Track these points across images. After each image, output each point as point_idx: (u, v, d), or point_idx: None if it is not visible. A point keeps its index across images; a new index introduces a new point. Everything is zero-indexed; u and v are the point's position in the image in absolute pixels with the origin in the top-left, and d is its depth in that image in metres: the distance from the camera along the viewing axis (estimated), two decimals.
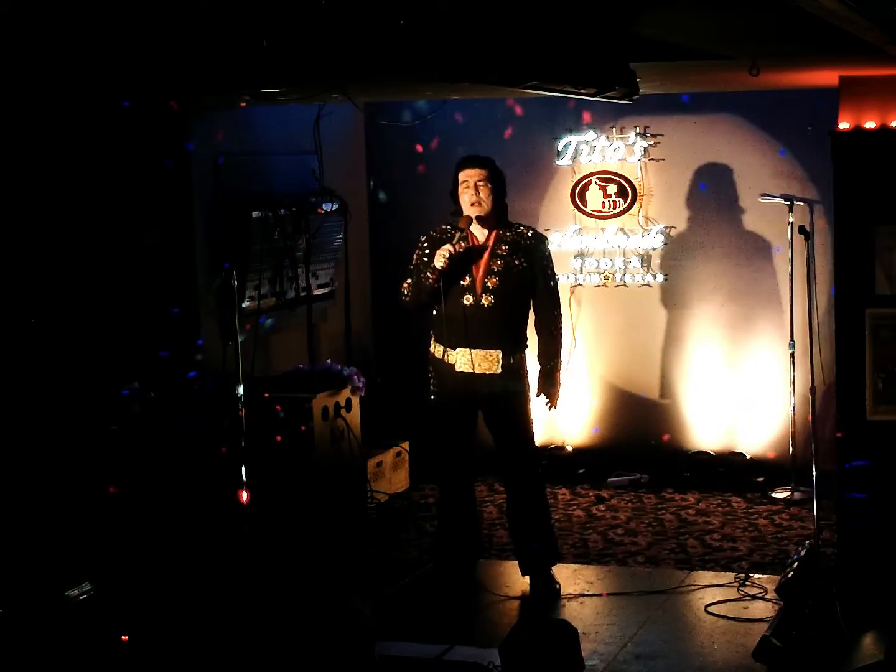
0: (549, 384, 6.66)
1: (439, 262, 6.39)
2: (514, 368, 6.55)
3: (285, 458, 7.50)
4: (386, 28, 4.41)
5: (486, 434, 6.79)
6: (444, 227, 6.65)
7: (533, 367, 6.71)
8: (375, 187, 9.21)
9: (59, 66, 5.54)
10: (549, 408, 6.74)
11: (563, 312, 6.77)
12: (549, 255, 6.68)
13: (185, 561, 6.70)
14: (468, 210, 6.52)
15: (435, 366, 6.67)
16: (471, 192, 6.49)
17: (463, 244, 6.50)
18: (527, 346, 6.66)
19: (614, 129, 8.74)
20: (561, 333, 6.71)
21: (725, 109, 8.57)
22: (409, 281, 6.66)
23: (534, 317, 6.70)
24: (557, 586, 6.64)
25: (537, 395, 6.68)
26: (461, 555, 6.85)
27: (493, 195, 6.51)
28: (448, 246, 6.41)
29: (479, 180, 6.49)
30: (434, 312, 6.62)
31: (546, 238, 6.78)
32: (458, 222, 6.53)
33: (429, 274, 6.46)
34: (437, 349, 6.63)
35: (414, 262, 6.65)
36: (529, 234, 6.63)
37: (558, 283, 6.79)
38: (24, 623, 5.56)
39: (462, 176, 6.53)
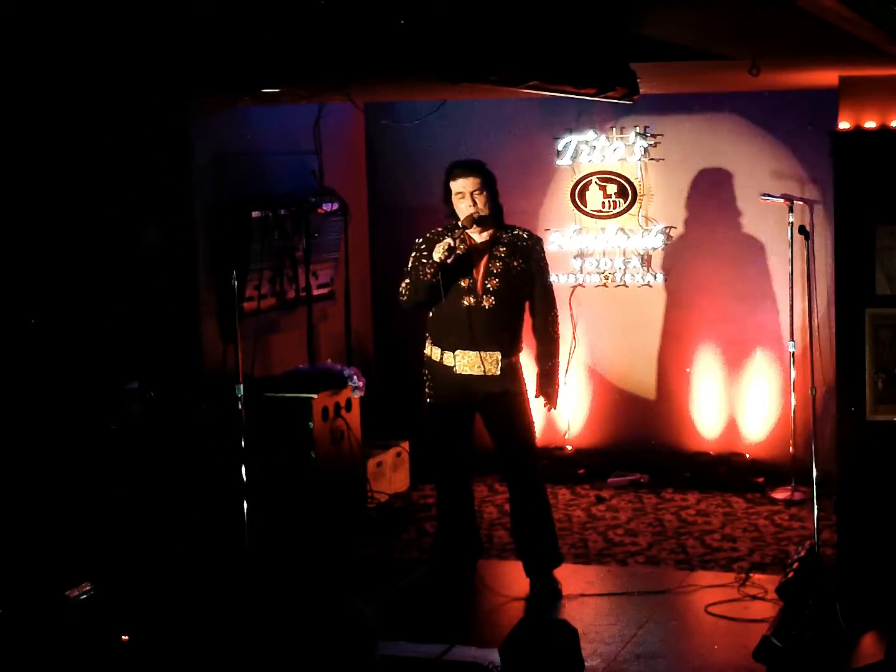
0: (548, 385, 6.67)
1: (438, 253, 6.37)
2: (512, 370, 6.55)
3: (285, 458, 7.50)
4: (386, 28, 4.41)
5: (486, 434, 6.79)
6: (439, 228, 6.64)
7: (530, 369, 6.72)
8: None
9: (59, 67, 5.54)
10: (548, 409, 6.75)
11: (559, 313, 6.77)
12: (545, 257, 6.68)
13: (185, 561, 6.70)
14: (465, 215, 6.51)
15: (431, 368, 6.66)
16: (467, 203, 6.48)
17: (462, 246, 6.49)
18: (522, 348, 6.65)
19: (614, 129, 8.74)
20: (558, 334, 6.71)
21: (725, 109, 8.57)
22: (406, 281, 6.65)
23: (531, 319, 6.70)
24: (558, 587, 6.63)
25: (536, 397, 6.68)
26: (461, 555, 6.84)
27: (489, 201, 6.51)
28: (448, 239, 6.40)
29: (473, 190, 6.48)
30: (430, 315, 6.62)
31: (542, 240, 6.78)
32: (457, 223, 6.51)
33: (427, 269, 6.45)
34: (433, 351, 6.62)
35: (411, 263, 6.63)
36: (525, 236, 6.63)
37: (554, 284, 6.80)
38: (24, 623, 5.56)
39: (455, 186, 6.51)
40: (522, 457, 6.64)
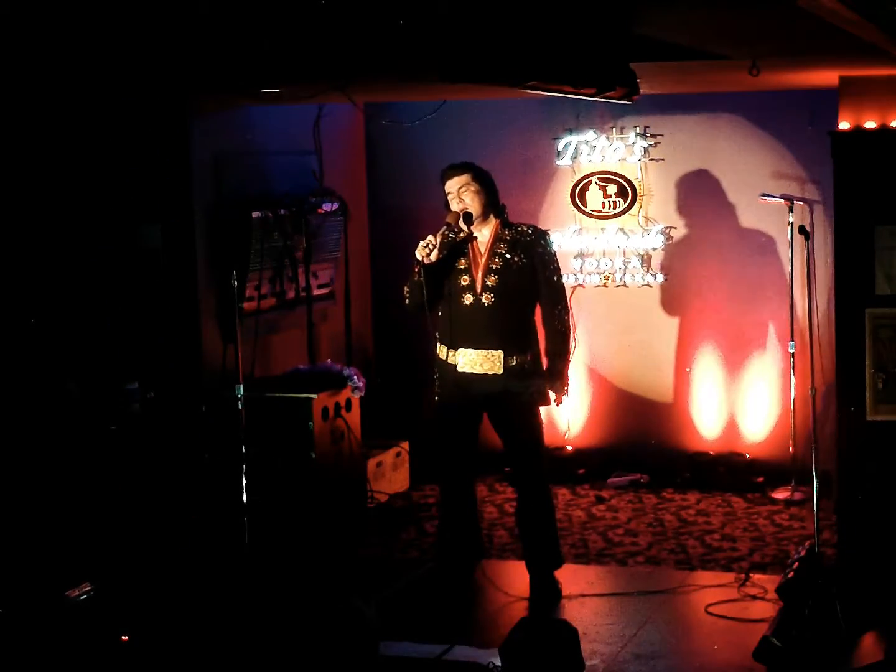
0: (555, 380, 6.60)
1: (418, 252, 6.38)
2: (518, 369, 6.49)
3: (285, 458, 7.50)
4: (386, 28, 4.41)
5: (486, 434, 6.79)
6: (443, 229, 6.64)
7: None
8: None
9: (60, 67, 5.54)
10: (557, 403, 6.70)
11: (568, 309, 6.73)
12: (551, 251, 6.63)
13: (185, 561, 6.70)
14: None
15: (438, 367, 6.65)
16: (456, 201, 6.50)
17: (449, 236, 6.47)
18: (533, 346, 6.59)
19: (614, 129, 8.74)
20: (567, 329, 6.63)
21: (725, 109, 8.57)
22: (408, 283, 6.65)
23: (540, 315, 6.67)
24: (559, 587, 6.63)
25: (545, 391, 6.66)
26: (462, 555, 6.84)
27: (479, 196, 6.50)
28: (430, 237, 6.40)
29: (460, 187, 6.49)
30: (439, 313, 6.60)
31: (547, 234, 6.73)
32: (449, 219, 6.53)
33: (414, 268, 6.48)
34: (440, 350, 6.62)
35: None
36: (529, 231, 6.61)
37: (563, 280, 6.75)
38: (24, 623, 5.56)
39: (446, 187, 6.54)
40: (527, 457, 6.62)
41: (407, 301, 6.65)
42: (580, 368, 8.91)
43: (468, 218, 6.49)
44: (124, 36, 4.76)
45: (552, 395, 6.62)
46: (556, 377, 6.61)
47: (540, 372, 6.59)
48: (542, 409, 6.75)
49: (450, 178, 6.54)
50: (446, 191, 6.54)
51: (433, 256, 6.38)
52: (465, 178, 6.51)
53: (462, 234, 6.54)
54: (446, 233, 6.47)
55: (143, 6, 4.31)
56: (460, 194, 6.49)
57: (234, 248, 7.67)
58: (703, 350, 8.74)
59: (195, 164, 7.60)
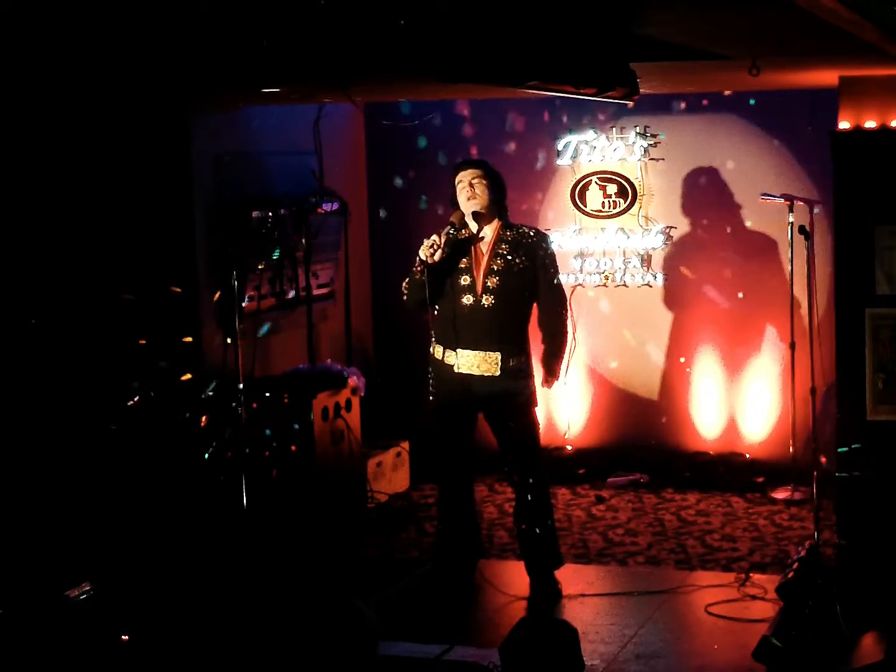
0: (550, 380, 6.66)
1: (423, 252, 6.38)
2: (514, 370, 6.50)
3: (285, 458, 7.50)
4: (386, 28, 4.41)
5: (486, 434, 6.79)
6: (447, 227, 6.64)
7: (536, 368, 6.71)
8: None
9: (59, 67, 5.54)
10: (548, 387, 6.73)
11: (567, 311, 6.74)
12: (552, 253, 6.64)
13: (185, 561, 6.70)
14: (465, 208, 6.52)
15: (434, 366, 6.65)
16: (467, 191, 6.50)
17: (451, 233, 6.47)
18: (527, 347, 6.62)
19: (614, 129, 8.74)
20: (565, 332, 6.66)
21: (725, 109, 8.57)
22: (407, 279, 6.65)
23: (537, 315, 6.68)
24: (559, 587, 6.63)
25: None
26: (461, 555, 6.84)
27: (489, 191, 6.50)
28: (434, 237, 6.41)
29: (473, 178, 6.50)
30: (435, 312, 6.61)
31: (548, 236, 6.76)
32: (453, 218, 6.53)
33: (416, 267, 6.47)
34: (436, 350, 6.62)
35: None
36: (531, 234, 6.62)
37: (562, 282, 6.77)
38: (24, 623, 5.55)
39: (458, 178, 6.55)
40: (525, 458, 6.62)
41: (405, 297, 6.66)
42: (580, 368, 8.91)
43: (477, 216, 6.49)
44: (125, 37, 4.76)
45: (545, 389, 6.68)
46: (551, 376, 6.65)
47: (532, 372, 6.61)
48: (541, 409, 6.77)
49: (463, 169, 6.56)
50: (457, 181, 6.54)
51: (437, 256, 6.39)
52: (479, 171, 6.53)
53: (465, 233, 6.54)
54: (450, 231, 6.47)
55: (143, 7, 4.32)
56: (472, 183, 6.49)
57: (234, 248, 7.67)
58: (702, 350, 8.74)
59: (195, 164, 7.60)
